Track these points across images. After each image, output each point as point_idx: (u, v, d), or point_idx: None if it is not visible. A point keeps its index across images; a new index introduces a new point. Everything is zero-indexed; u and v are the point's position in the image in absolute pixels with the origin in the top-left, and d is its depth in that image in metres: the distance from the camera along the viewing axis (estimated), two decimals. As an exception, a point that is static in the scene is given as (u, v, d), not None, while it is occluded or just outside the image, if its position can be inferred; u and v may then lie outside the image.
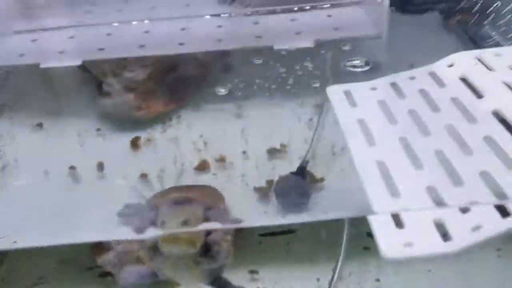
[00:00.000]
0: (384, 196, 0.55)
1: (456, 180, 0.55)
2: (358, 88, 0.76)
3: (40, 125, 0.99)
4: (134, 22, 1.11)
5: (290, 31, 1.06)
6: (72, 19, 1.12)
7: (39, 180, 0.87)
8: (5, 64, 1.03)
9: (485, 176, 0.55)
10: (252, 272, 0.96)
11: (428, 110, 0.67)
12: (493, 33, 1.13)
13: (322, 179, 0.81)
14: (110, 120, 0.99)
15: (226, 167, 0.91)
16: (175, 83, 1.02)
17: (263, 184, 0.85)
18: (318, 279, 0.93)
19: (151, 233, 0.65)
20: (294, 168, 0.85)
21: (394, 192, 0.55)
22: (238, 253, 1.01)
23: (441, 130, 0.63)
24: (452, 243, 0.51)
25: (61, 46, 1.05)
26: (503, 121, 0.62)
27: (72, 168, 0.89)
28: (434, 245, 0.51)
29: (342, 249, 0.87)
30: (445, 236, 0.52)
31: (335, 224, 0.97)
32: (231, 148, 0.93)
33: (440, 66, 0.75)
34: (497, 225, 0.51)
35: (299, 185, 0.84)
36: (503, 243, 0.98)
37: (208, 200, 0.70)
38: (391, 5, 1.22)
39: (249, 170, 0.89)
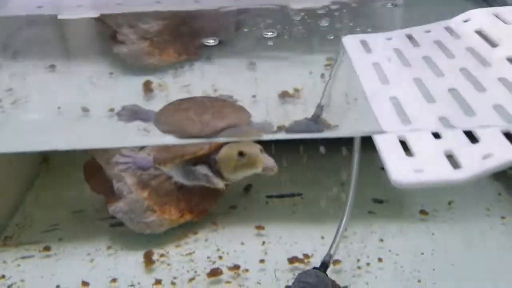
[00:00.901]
0: (394, 121, 0.55)
1: (468, 111, 0.55)
2: (374, 38, 0.76)
3: (52, 66, 1.00)
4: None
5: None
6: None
7: (49, 115, 0.88)
8: (23, 14, 1.04)
9: (498, 108, 0.55)
10: (259, 228, 0.97)
11: (443, 57, 0.68)
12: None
13: (336, 126, 0.80)
14: (123, 66, 1.00)
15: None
16: (188, 35, 1.03)
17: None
18: (322, 237, 0.94)
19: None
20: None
21: (404, 119, 0.55)
22: (245, 211, 1.02)
23: (455, 72, 0.63)
24: (463, 170, 0.51)
25: (79, 0, 1.06)
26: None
27: (84, 109, 0.89)
28: (444, 172, 0.51)
29: (347, 208, 0.87)
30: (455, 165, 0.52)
31: (342, 187, 0.98)
32: (241, 94, 0.93)
33: (456, 21, 0.75)
34: (508, 153, 0.51)
35: (312, 130, 0.83)
36: (507, 212, 0.99)
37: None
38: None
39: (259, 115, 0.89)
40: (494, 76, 0.60)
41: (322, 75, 0.87)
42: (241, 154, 0.62)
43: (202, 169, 0.67)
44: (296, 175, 1.08)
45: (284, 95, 0.88)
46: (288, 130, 0.79)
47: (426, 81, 0.62)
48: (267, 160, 0.63)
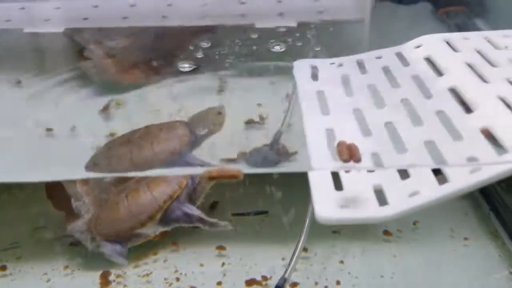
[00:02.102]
0: (325, 157, 0.55)
1: (400, 147, 0.55)
2: (324, 63, 0.76)
3: (19, 82, 1.01)
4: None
5: (274, 11, 1.06)
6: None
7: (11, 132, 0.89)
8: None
9: (430, 144, 0.54)
10: (220, 248, 0.97)
11: (387, 85, 0.68)
12: (481, 24, 1.14)
13: (295, 153, 0.80)
14: (89, 82, 1.01)
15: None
16: (155, 54, 1.04)
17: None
18: (282, 258, 0.94)
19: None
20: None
21: (336, 155, 0.55)
22: (208, 231, 1.02)
23: (396, 103, 0.63)
24: (388, 207, 0.51)
25: (47, 14, 1.07)
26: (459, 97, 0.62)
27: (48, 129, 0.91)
28: (369, 209, 0.50)
29: (304, 230, 0.87)
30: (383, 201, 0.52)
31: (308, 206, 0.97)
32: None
33: (407, 47, 0.75)
34: (434, 191, 0.51)
35: (269, 158, 0.84)
36: (471, 233, 0.98)
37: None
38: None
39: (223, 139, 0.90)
40: (433, 108, 0.60)
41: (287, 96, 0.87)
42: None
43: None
44: (263, 191, 1.08)
45: (249, 122, 0.89)
46: (247, 158, 0.80)
47: (366, 112, 0.61)
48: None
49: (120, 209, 0.72)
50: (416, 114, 0.59)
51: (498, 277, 0.89)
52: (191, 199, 0.74)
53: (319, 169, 0.52)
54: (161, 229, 0.82)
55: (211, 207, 1.06)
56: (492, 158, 0.49)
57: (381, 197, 0.52)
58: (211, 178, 0.50)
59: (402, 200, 0.50)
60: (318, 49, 0.96)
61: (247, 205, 1.04)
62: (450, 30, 1.11)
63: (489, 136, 0.53)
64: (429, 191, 0.50)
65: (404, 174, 0.53)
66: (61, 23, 1.04)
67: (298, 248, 0.86)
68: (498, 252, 0.95)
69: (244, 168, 0.63)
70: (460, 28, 1.10)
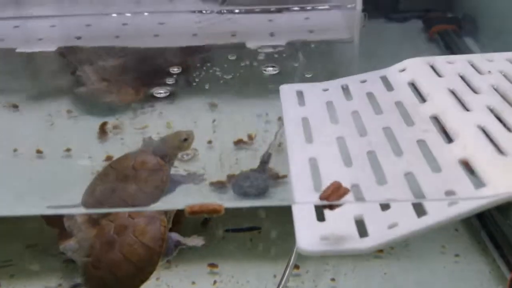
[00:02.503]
0: (307, 189, 0.56)
1: (381, 179, 0.56)
2: (310, 88, 0.77)
3: (15, 106, 1.03)
4: (114, 15, 1.13)
5: (265, 31, 1.08)
6: (57, 9, 1.16)
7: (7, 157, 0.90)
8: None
9: (409, 176, 0.56)
10: (212, 266, 0.98)
11: (371, 112, 0.69)
12: (472, 43, 1.15)
13: (284, 176, 0.82)
14: (82, 104, 1.02)
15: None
16: (147, 73, 1.05)
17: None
18: (274, 276, 0.95)
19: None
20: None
21: (318, 186, 0.56)
22: (200, 248, 1.03)
23: (378, 131, 0.64)
24: (368, 239, 0.52)
25: (41, 33, 1.08)
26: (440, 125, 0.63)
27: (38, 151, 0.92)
28: (349, 241, 0.51)
29: (295, 249, 0.88)
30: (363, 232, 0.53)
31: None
32: (198, 138, 0.95)
33: (392, 70, 0.76)
34: (412, 223, 0.52)
35: (256, 182, 0.85)
36: (462, 250, 0.99)
37: None
38: (379, 13, 1.24)
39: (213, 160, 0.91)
40: (414, 136, 0.61)
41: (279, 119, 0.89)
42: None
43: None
44: (256, 207, 1.09)
45: (238, 142, 0.90)
46: (233, 184, 0.81)
47: (349, 141, 0.63)
48: None
49: (123, 268, 0.72)
50: (397, 143, 0.60)
51: (489, 294, 0.90)
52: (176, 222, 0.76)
53: (301, 203, 0.53)
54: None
55: (203, 224, 1.07)
56: (469, 192, 0.50)
57: (361, 227, 0.53)
58: (192, 213, 0.51)
59: (381, 232, 0.51)
60: (308, 69, 0.97)
61: (240, 221, 1.06)
62: (440, 49, 1.13)
63: (468, 167, 0.54)
64: (407, 223, 0.51)
65: (384, 205, 0.55)
66: (55, 42, 1.05)
67: (289, 267, 0.87)
68: (489, 269, 0.96)
69: (226, 202, 0.65)
70: (450, 47, 1.11)
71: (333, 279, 0.96)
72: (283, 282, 0.86)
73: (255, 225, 1.07)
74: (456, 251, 1.01)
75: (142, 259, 0.72)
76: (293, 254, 0.88)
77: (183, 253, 1.00)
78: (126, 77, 1.03)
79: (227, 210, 1.06)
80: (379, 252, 1.01)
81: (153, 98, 1.01)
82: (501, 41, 1.06)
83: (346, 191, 0.51)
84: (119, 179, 0.75)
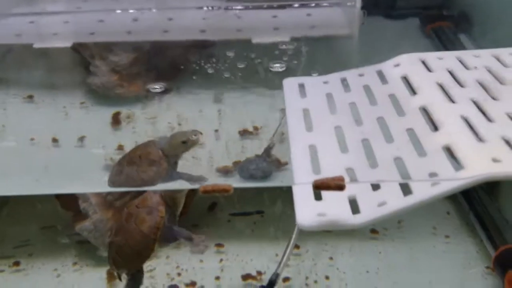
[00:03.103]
0: (307, 172, 0.62)
1: (373, 163, 0.63)
2: (312, 81, 0.83)
3: (30, 97, 1.09)
4: (125, 11, 1.19)
5: (269, 26, 1.13)
6: (69, 5, 1.21)
7: (24, 145, 0.97)
8: (1, 42, 1.12)
9: (398, 160, 0.62)
10: (218, 245, 1.05)
11: (366, 103, 0.75)
12: (466, 40, 1.21)
13: (286, 163, 0.88)
14: (95, 96, 1.08)
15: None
16: (157, 67, 1.11)
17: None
18: (276, 255, 1.02)
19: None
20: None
21: (317, 170, 0.63)
22: (207, 230, 1.10)
23: (372, 121, 0.71)
24: (360, 216, 0.59)
25: (55, 29, 1.14)
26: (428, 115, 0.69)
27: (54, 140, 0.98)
28: (343, 217, 0.58)
29: (295, 230, 0.94)
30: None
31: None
32: (205, 129, 1.01)
33: (387, 65, 0.82)
34: (399, 202, 0.58)
35: (261, 165, 0.92)
36: (452, 231, 1.06)
37: None
38: (377, 10, 1.29)
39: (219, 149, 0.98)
40: (404, 126, 0.68)
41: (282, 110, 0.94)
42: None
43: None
44: (260, 192, 1.15)
45: (244, 132, 0.96)
46: (240, 168, 0.88)
47: (346, 129, 0.69)
48: None
49: (124, 251, 0.83)
50: (389, 131, 0.67)
51: (475, 272, 0.97)
52: (173, 216, 0.82)
53: (300, 183, 0.60)
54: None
55: (210, 208, 1.14)
56: (450, 174, 0.57)
57: (355, 205, 0.60)
58: (205, 192, 0.58)
59: (372, 209, 0.58)
60: (310, 64, 1.03)
61: (245, 205, 1.12)
62: (436, 45, 1.18)
63: (451, 152, 0.61)
64: (395, 201, 0.58)
65: (375, 185, 0.61)
66: (70, 37, 1.10)
67: (290, 246, 0.94)
68: (476, 249, 1.02)
69: (234, 182, 0.71)
70: (445, 43, 1.17)
71: (331, 258, 1.03)
72: (284, 260, 0.93)
73: (259, 209, 1.13)
74: (447, 233, 1.07)
75: (138, 244, 0.81)
76: (294, 234, 0.95)
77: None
78: (137, 70, 1.09)
79: (233, 195, 1.12)
80: (375, 234, 1.08)
81: (161, 91, 1.07)
82: (494, 38, 1.11)
83: (338, 185, 0.56)
84: (128, 164, 0.83)
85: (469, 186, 0.55)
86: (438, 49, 1.20)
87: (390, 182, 0.58)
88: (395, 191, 0.59)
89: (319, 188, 0.52)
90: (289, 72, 1.01)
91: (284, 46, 1.06)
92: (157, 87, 1.02)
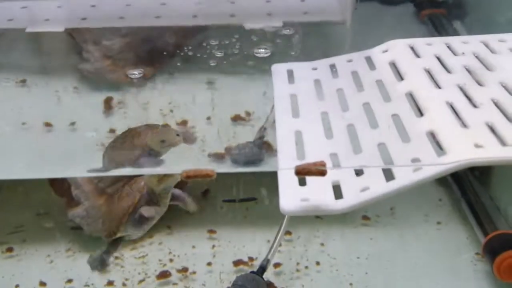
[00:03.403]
0: (291, 158, 0.63)
1: (356, 149, 0.63)
2: (300, 67, 0.83)
3: (23, 81, 1.09)
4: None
5: (262, 11, 1.13)
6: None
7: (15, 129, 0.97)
8: (-6, 26, 1.13)
9: (381, 146, 0.63)
10: (211, 231, 1.05)
11: (353, 90, 0.75)
12: (460, 27, 1.20)
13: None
14: (88, 81, 1.08)
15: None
16: (150, 52, 1.11)
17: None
18: (268, 241, 1.02)
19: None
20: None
21: (301, 156, 0.63)
22: (200, 216, 1.10)
23: (358, 107, 0.71)
24: (342, 201, 0.59)
25: (48, 14, 1.13)
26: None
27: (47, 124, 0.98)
28: (325, 202, 0.59)
29: (286, 216, 0.95)
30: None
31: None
32: (197, 114, 1.02)
33: (376, 51, 0.82)
34: (382, 187, 0.59)
35: (255, 150, 0.92)
36: (443, 218, 1.06)
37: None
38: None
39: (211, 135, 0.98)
40: (389, 112, 0.68)
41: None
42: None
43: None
44: (253, 179, 1.15)
45: (236, 118, 0.96)
46: (231, 154, 0.88)
47: (332, 116, 0.69)
48: None
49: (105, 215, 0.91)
50: (374, 117, 0.67)
51: (465, 258, 0.98)
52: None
53: (284, 169, 0.60)
54: (137, 232, 0.95)
55: (203, 195, 1.14)
56: (432, 160, 0.57)
57: (338, 191, 0.60)
58: (187, 177, 0.58)
59: (354, 195, 0.58)
60: (301, 50, 1.03)
61: (238, 192, 1.12)
62: (429, 32, 1.18)
63: (435, 138, 0.61)
64: (377, 187, 0.58)
65: (358, 171, 0.62)
66: (62, 22, 1.10)
67: (280, 232, 0.94)
68: (466, 235, 1.03)
69: (219, 168, 0.72)
70: (439, 30, 1.16)
71: (322, 244, 1.03)
72: (274, 246, 0.93)
73: (252, 196, 1.13)
74: (438, 219, 1.08)
75: (111, 216, 0.90)
76: (284, 220, 0.96)
77: (184, 219, 1.08)
78: (129, 55, 1.09)
79: (227, 181, 1.13)
80: (366, 220, 1.08)
81: (154, 76, 1.07)
82: (487, 25, 1.11)
83: (320, 170, 0.56)
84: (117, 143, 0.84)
85: (451, 172, 0.56)
86: (432, 35, 1.20)
87: (373, 167, 0.58)
88: (378, 176, 0.59)
89: (300, 173, 0.52)
90: (281, 57, 1.01)
91: (276, 32, 1.06)
92: (135, 72, 1.02)
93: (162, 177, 0.74)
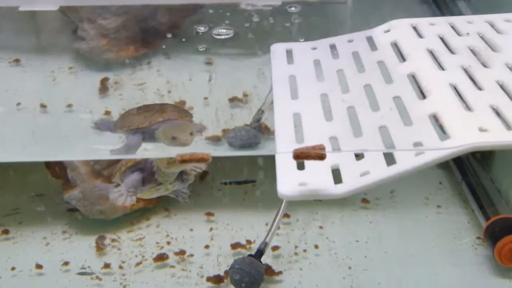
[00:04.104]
0: (289, 141, 0.61)
1: (357, 132, 0.62)
2: (300, 47, 0.81)
3: (17, 60, 1.07)
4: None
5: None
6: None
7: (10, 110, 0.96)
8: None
9: (383, 129, 0.61)
10: (208, 214, 1.05)
11: (354, 71, 0.73)
12: (463, 7, 1.17)
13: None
14: (83, 60, 1.06)
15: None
16: (146, 31, 1.09)
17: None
18: (266, 224, 1.02)
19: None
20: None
21: (300, 139, 0.62)
22: (198, 198, 1.09)
23: (359, 88, 0.69)
24: (341, 186, 0.58)
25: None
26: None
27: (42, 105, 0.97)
28: (324, 187, 0.57)
29: (284, 199, 0.94)
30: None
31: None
32: (195, 95, 1.00)
33: (377, 31, 0.80)
34: (382, 171, 0.57)
35: (251, 133, 0.91)
36: (444, 201, 1.05)
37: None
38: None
39: (209, 116, 0.96)
40: (391, 93, 0.66)
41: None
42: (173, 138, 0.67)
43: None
44: (253, 161, 1.14)
45: (233, 99, 0.94)
46: (228, 136, 0.87)
47: (331, 97, 0.67)
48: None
49: None
50: (375, 99, 0.65)
51: (465, 242, 0.97)
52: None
53: (282, 152, 0.58)
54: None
55: (201, 177, 1.13)
56: (435, 144, 0.56)
57: (337, 175, 0.59)
58: (183, 161, 0.56)
59: (354, 179, 0.57)
60: (301, 30, 1.01)
61: (237, 175, 1.12)
62: (433, 11, 1.15)
63: (438, 121, 0.60)
64: (377, 171, 0.57)
65: (359, 155, 0.60)
66: (56, 0, 1.07)
67: (278, 215, 0.93)
68: (467, 219, 1.02)
69: (214, 152, 0.70)
70: (442, 10, 1.14)
71: (321, 227, 1.03)
72: (272, 229, 0.92)
73: (251, 179, 1.12)
74: (439, 203, 1.07)
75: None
76: (283, 203, 0.94)
77: (181, 202, 1.06)
78: (125, 34, 1.07)
79: (225, 164, 1.11)
80: (366, 203, 1.08)
81: (150, 56, 1.05)
82: (491, 4, 1.08)
83: (319, 154, 0.55)
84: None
85: (454, 156, 0.54)
86: (435, 15, 1.17)
87: (374, 151, 0.56)
88: (378, 160, 0.57)
89: (299, 157, 0.51)
90: (280, 37, 0.99)
91: (275, 11, 1.04)
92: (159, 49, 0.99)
93: (174, 161, 0.69)
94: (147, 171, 0.71)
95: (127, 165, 0.71)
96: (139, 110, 0.78)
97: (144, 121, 0.71)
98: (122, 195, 0.68)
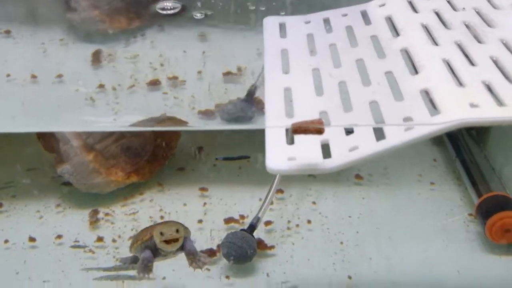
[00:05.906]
0: (279, 115, 0.61)
1: (347, 107, 0.61)
2: (293, 21, 0.80)
3: (7, 32, 1.06)
4: None
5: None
6: None
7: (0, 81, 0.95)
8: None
9: (373, 105, 0.60)
10: (202, 189, 1.05)
11: (347, 45, 0.72)
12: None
13: None
14: (75, 32, 1.05)
15: (176, 86, 0.97)
16: (139, 2, 1.07)
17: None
18: (260, 199, 1.02)
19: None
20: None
21: (290, 113, 0.61)
22: (192, 173, 1.09)
23: (351, 63, 0.68)
24: (330, 160, 0.57)
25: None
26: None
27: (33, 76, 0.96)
28: (313, 161, 0.57)
29: (277, 174, 0.94)
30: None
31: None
32: (188, 70, 0.99)
33: (372, 5, 0.79)
34: (371, 147, 0.57)
35: (244, 108, 0.90)
36: (437, 178, 1.05)
37: None
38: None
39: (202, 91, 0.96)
40: (383, 68, 0.65)
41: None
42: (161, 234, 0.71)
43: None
44: (248, 137, 1.14)
45: (227, 74, 0.93)
46: (221, 110, 0.86)
47: (323, 72, 0.67)
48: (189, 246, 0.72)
49: None
50: (367, 74, 0.65)
51: (457, 219, 0.97)
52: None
53: (272, 126, 0.58)
54: None
55: (197, 152, 1.13)
56: (425, 119, 0.55)
57: (327, 149, 0.59)
58: (294, 131, 0.56)
59: (343, 154, 0.57)
60: (295, 3, 0.99)
61: (231, 150, 1.11)
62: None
63: (429, 97, 0.59)
64: (367, 146, 0.56)
65: (348, 130, 0.60)
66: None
67: (271, 191, 0.93)
68: (460, 196, 1.02)
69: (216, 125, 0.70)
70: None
71: (314, 203, 1.03)
72: (265, 204, 0.93)
73: (245, 154, 1.12)
74: (432, 180, 1.07)
75: None
76: (276, 179, 0.95)
77: (175, 177, 1.07)
78: (118, 5, 1.05)
79: (219, 139, 1.11)
80: (359, 179, 1.08)
81: (143, 27, 1.03)
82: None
83: (317, 129, 0.55)
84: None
85: (443, 132, 0.54)
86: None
87: (364, 126, 0.56)
88: (368, 135, 0.57)
89: (297, 132, 0.51)
90: (274, 10, 0.97)
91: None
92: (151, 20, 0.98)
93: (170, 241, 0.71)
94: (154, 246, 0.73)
95: (143, 239, 0.74)
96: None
97: (146, 233, 0.75)
98: (143, 271, 0.73)
